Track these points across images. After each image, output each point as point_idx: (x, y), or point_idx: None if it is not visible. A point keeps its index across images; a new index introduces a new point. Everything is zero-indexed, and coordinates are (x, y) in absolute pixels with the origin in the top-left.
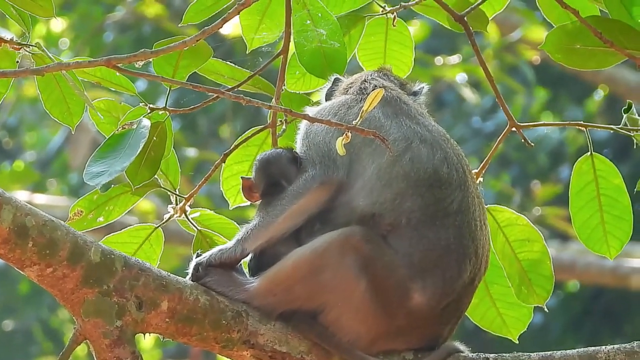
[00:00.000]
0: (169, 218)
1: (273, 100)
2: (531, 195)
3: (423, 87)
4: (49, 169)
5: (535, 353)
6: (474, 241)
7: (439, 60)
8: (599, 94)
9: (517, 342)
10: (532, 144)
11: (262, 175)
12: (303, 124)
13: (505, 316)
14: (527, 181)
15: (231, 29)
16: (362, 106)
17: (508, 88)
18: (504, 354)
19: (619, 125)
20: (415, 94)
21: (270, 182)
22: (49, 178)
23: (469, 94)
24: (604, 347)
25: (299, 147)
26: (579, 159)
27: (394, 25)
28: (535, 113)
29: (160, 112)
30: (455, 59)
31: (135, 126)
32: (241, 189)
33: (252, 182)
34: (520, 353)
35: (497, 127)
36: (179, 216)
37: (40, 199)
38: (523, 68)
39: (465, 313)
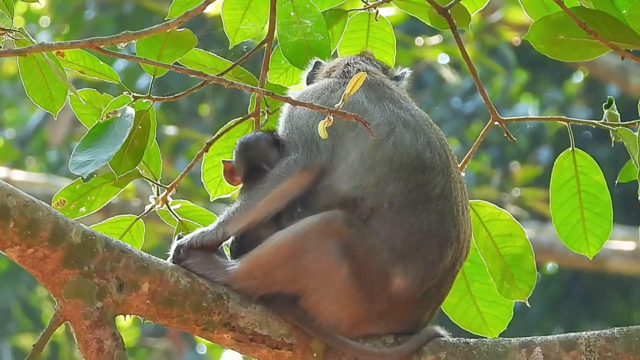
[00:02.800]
0: (150, 209)
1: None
2: (510, 176)
3: (405, 72)
4: (28, 147)
5: (515, 338)
6: (456, 226)
7: (419, 40)
8: (579, 76)
9: None
10: (515, 138)
11: (242, 159)
12: (285, 107)
13: (485, 314)
14: (507, 162)
15: (213, 8)
16: (345, 90)
17: (488, 69)
18: (484, 339)
19: (600, 117)
20: (397, 78)
21: (250, 166)
22: (28, 155)
23: (449, 74)
24: (584, 332)
25: (281, 130)
26: (561, 155)
27: (376, 20)
28: (514, 95)
29: (144, 101)
30: (435, 39)
31: (119, 114)
32: (222, 173)
33: (233, 165)
34: (500, 338)
35: (477, 108)
36: (161, 207)
37: (18, 175)
38: (503, 49)
39: (446, 312)
